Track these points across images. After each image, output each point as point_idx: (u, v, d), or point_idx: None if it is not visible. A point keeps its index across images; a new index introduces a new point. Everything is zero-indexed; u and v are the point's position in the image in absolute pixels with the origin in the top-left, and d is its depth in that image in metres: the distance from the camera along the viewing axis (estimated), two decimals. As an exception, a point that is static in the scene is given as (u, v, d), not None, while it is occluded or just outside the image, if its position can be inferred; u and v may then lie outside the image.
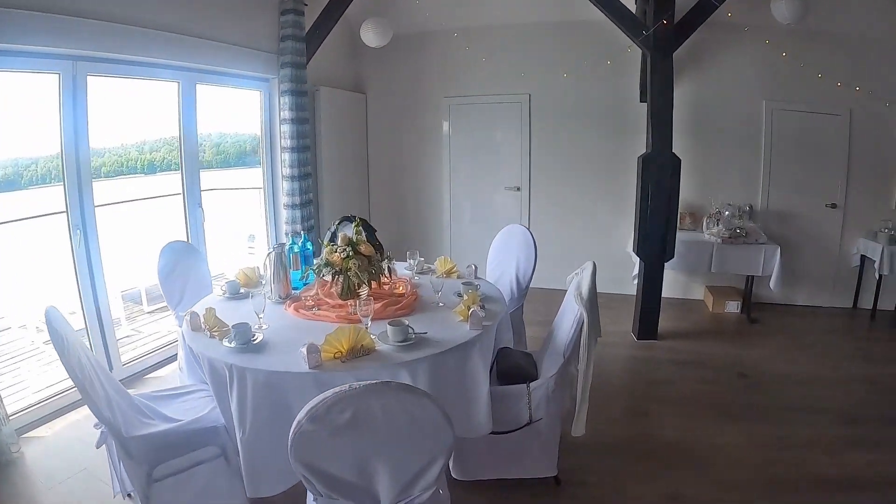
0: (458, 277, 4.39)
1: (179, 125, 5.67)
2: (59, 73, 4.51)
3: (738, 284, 7.28)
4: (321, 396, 1.92)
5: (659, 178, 5.62)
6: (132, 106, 6.19)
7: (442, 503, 2.47)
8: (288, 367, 2.80)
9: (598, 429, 4.18)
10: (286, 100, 6.34)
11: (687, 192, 6.59)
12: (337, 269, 3.66)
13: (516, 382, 3.39)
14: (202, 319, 3.29)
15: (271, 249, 3.91)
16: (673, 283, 7.23)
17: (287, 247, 4.18)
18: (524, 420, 3.33)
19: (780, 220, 7.28)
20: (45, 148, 5.18)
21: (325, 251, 3.78)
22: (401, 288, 3.97)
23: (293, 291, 4.01)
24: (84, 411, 4.47)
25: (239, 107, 6.99)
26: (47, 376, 5.17)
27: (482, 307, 3.46)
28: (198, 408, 3.32)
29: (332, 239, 5.42)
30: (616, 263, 7.33)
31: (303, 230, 6.38)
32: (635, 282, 6.26)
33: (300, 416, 1.93)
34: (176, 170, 5.87)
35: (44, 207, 5.16)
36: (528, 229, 4.91)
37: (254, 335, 3.13)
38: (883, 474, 3.83)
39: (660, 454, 4.07)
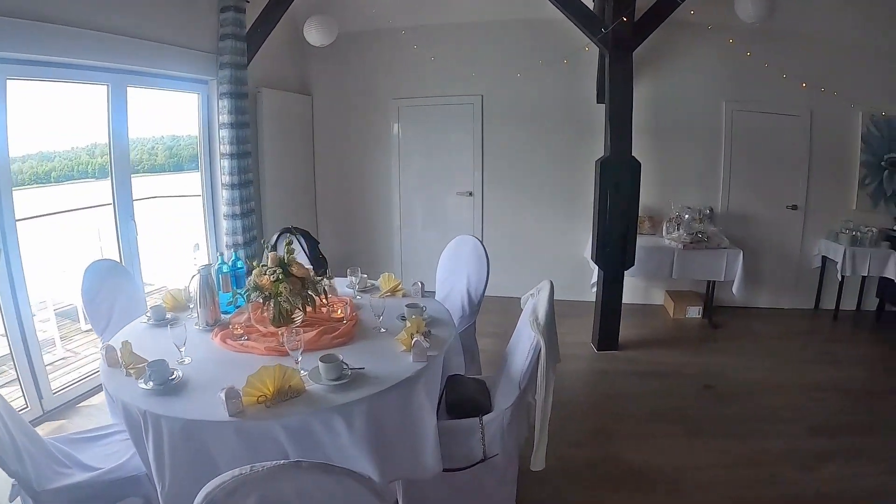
0: (404, 296, 4.02)
1: (109, 131, 5.21)
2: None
3: (699, 289, 7.10)
4: (218, 480, 1.54)
5: (618, 182, 5.35)
6: (62, 110, 5.71)
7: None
8: (206, 415, 2.40)
9: (560, 455, 3.87)
10: (225, 103, 5.89)
11: (645, 196, 6.28)
12: (266, 293, 3.26)
13: (468, 415, 3.05)
14: (119, 354, 2.87)
15: (196, 271, 3.50)
16: (632, 289, 6.96)
17: (216, 266, 3.77)
18: (478, 456, 2.98)
19: (741, 223, 7.11)
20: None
21: (253, 273, 3.36)
22: (339, 311, 3.57)
23: (223, 317, 3.58)
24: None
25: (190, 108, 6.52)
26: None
27: (428, 333, 3.12)
28: (119, 452, 2.91)
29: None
30: (574, 270, 7.11)
31: (244, 242, 5.98)
32: (594, 290, 5.99)
33: (197, 500, 1.55)
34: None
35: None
36: (480, 240, 4.56)
37: (172, 373, 2.72)
38: (861, 489, 3.64)
39: (628, 480, 3.79)
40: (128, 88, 5.27)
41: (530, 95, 7.19)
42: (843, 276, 6.64)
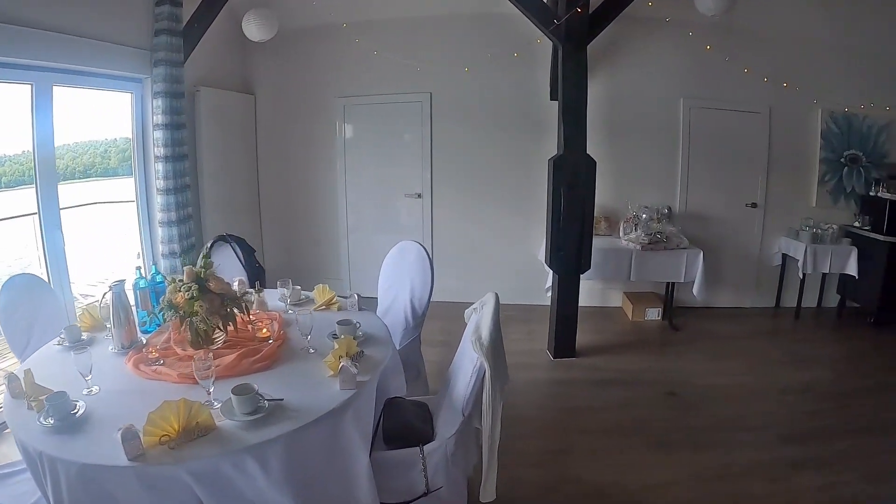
0: (340, 309, 3.68)
1: (32, 135, 4.80)
2: None
3: (658, 290, 6.89)
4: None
5: (572, 181, 5.05)
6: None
7: None
8: (105, 457, 2.03)
9: (514, 479, 3.55)
10: (160, 102, 5.45)
11: (601, 195, 6.04)
12: (182, 312, 2.86)
13: (408, 445, 2.73)
14: (21, 383, 2.47)
15: (109, 287, 3.12)
16: (589, 291, 6.71)
17: (135, 281, 3.39)
18: (420, 490, 2.64)
19: (700, 222, 6.91)
20: None
21: (168, 289, 2.99)
22: (265, 330, 3.16)
23: (140, 338, 3.17)
24: None
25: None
26: None
27: (360, 355, 2.80)
28: (30, 492, 2.51)
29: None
30: (528, 273, 6.82)
31: (181, 251, 5.60)
32: (549, 294, 5.70)
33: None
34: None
35: None
36: (423, 246, 4.20)
37: (75, 407, 2.33)
38: (838, 499, 3.44)
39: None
40: (54, 88, 4.85)
41: (481, 92, 6.87)
42: (804, 274, 6.53)
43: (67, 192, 5.25)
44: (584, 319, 5.92)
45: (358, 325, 3.13)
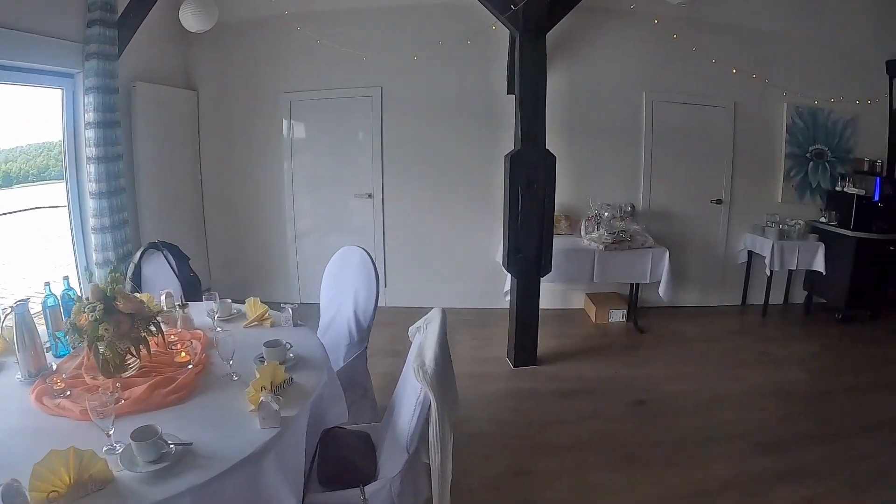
0: (273, 325, 3.23)
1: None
2: None
3: (622, 290, 6.55)
4: None
5: (531, 179, 4.66)
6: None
7: None
8: None
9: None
10: (91, 99, 4.96)
11: (561, 193, 5.69)
12: (87, 336, 2.37)
13: (347, 485, 2.33)
14: None
15: (10, 306, 2.64)
16: (550, 293, 6.34)
17: (44, 298, 2.91)
18: None
19: (664, 220, 6.63)
20: None
21: (73, 309, 2.51)
22: (185, 354, 2.67)
23: (50, 363, 2.63)
24: None
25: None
26: None
27: (288, 382, 2.37)
28: None
29: (136, 275, 4.26)
30: (487, 275, 6.44)
31: (116, 259, 5.11)
32: (507, 298, 5.30)
33: None
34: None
35: None
36: (367, 251, 3.81)
37: None
38: None
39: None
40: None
41: (435, 86, 6.41)
42: (771, 272, 6.33)
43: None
44: (546, 323, 5.60)
45: (288, 347, 2.72)
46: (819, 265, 6.28)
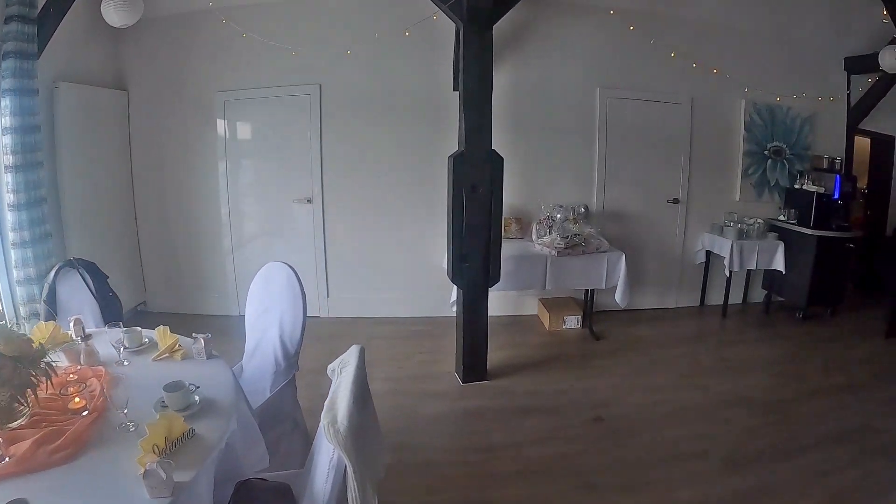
0: (184, 358, 2.73)
1: None
2: None
3: (577, 294, 6.16)
4: None
5: (476, 181, 4.22)
6: None
7: None
8: None
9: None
10: (8, 102, 4.38)
11: (511, 194, 5.44)
12: None
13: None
14: None
15: None
16: (501, 299, 5.85)
17: None
18: None
19: (619, 221, 6.28)
20: None
21: None
22: (78, 399, 2.16)
23: None
24: None
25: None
26: None
27: (187, 435, 1.93)
28: None
29: (51, 297, 3.79)
30: (437, 283, 5.84)
31: (37, 276, 4.51)
32: (454, 308, 4.85)
33: None
34: None
35: None
36: (293, 269, 3.32)
37: None
38: None
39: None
40: None
41: (377, 83, 5.88)
42: (730, 272, 6.08)
43: None
44: (497, 332, 5.22)
45: (192, 389, 2.26)
46: (779, 264, 6.08)
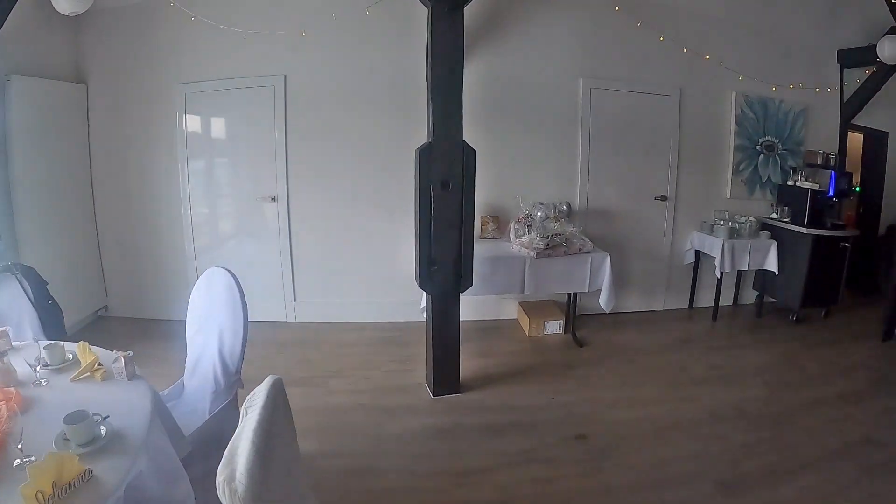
0: (104, 378, 2.31)
1: None
2: None
3: (559, 297, 5.74)
4: None
5: (446, 176, 3.78)
6: None
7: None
8: None
9: None
10: None
11: (488, 191, 5.12)
12: None
13: None
14: None
15: None
16: (478, 303, 5.42)
17: None
18: None
19: (604, 219, 5.85)
20: None
21: None
22: None
23: None
24: None
25: None
26: None
27: (84, 477, 1.58)
28: None
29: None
30: (406, 286, 5.24)
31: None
32: (425, 314, 4.41)
33: None
34: None
35: None
36: (233, 275, 2.87)
37: None
38: None
39: None
40: None
41: (347, 73, 5.39)
42: (721, 273, 5.69)
43: None
44: (472, 338, 4.89)
45: (98, 419, 1.89)
46: (772, 265, 5.74)
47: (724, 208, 5.98)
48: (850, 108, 6.31)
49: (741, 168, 6.07)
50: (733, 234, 5.65)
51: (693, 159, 5.96)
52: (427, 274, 3.93)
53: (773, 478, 3.26)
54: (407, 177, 4.93)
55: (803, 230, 5.59)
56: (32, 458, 1.65)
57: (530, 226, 4.90)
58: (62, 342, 2.55)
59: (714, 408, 4.07)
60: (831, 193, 5.75)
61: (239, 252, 5.64)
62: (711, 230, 5.82)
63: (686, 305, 6.31)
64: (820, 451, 3.53)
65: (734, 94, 5.90)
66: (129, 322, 5.58)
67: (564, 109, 5.63)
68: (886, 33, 5.49)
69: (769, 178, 6.15)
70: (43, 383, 2.25)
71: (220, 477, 1.39)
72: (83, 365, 2.37)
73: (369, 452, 3.49)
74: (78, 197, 5.54)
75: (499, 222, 5.42)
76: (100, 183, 5.65)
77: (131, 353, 2.37)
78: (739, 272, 6.13)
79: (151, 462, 1.88)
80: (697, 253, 6.10)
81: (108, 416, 1.91)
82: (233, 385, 2.83)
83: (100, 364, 2.38)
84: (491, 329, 5.60)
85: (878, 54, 5.39)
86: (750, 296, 6.39)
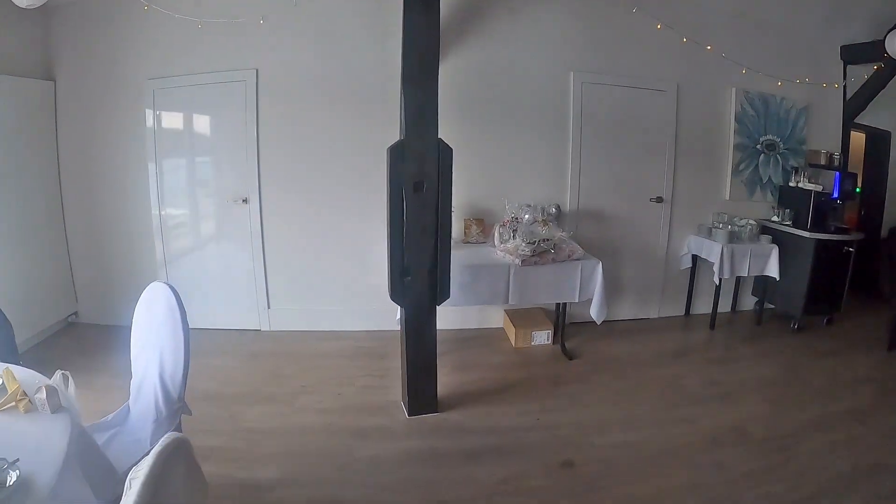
0: (27, 410, 1.98)
1: None
2: None
3: (548, 304, 5.35)
4: None
5: (419, 177, 3.38)
6: None
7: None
8: None
9: None
10: None
11: (472, 193, 4.89)
12: None
13: None
14: None
15: None
16: (462, 311, 5.04)
17: None
18: None
19: (596, 222, 5.49)
20: None
21: None
22: None
23: None
24: None
25: None
26: None
27: None
28: None
29: None
30: (384, 292, 4.81)
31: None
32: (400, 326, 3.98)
33: None
34: None
35: None
36: (174, 290, 2.52)
37: None
38: None
39: None
40: None
41: (322, 67, 4.98)
42: (720, 280, 5.33)
43: None
44: (455, 349, 4.62)
45: (4, 465, 1.63)
46: (773, 271, 5.37)
47: (722, 210, 5.64)
48: (854, 107, 5.97)
49: (741, 168, 5.71)
50: (733, 238, 5.29)
51: (691, 158, 5.60)
52: (399, 286, 3.52)
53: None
54: (382, 176, 4.55)
55: (806, 234, 5.26)
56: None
57: (516, 230, 4.48)
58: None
59: (713, 430, 3.69)
60: (835, 195, 5.42)
61: (210, 257, 5.29)
62: (710, 233, 5.47)
63: (682, 313, 5.96)
64: (828, 481, 3.17)
65: (734, 89, 5.56)
66: (101, 329, 5.19)
67: (554, 104, 5.27)
68: (894, 27, 5.12)
69: (770, 178, 5.80)
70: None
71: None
72: (10, 391, 2.04)
73: (335, 481, 3.11)
74: (46, 198, 5.16)
75: (483, 225, 5.01)
76: (69, 184, 5.27)
77: (66, 373, 2.26)
78: (738, 277, 5.75)
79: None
80: (695, 258, 5.74)
81: (18, 460, 1.63)
82: (176, 413, 2.51)
83: (24, 394, 2.04)
84: (474, 339, 5.19)
85: (887, 49, 5.04)
86: (749, 302, 6.07)
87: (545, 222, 4.60)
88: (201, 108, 5.18)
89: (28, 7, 4.07)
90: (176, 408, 2.49)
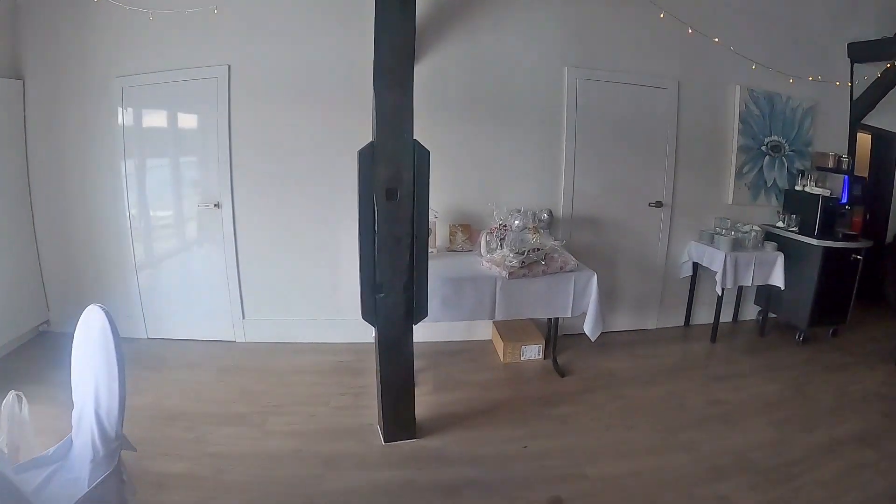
0: None
1: None
2: None
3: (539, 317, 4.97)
4: None
5: (392, 183, 3.01)
6: None
7: None
8: None
9: None
10: None
11: (458, 197, 4.63)
12: None
13: None
14: None
15: None
16: (447, 323, 4.55)
17: None
18: None
19: (591, 228, 5.14)
20: None
21: None
22: None
23: None
24: None
25: None
26: None
27: None
28: None
29: None
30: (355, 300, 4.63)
31: None
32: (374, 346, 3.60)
33: None
34: None
35: None
36: (109, 315, 2.18)
37: None
38: None
39: None
40: None
41: (299, 63, 4.64)
42: (723, 290, 4.97)
43: None
44: (438, 363, 4.38)
45: None
46: (778, 280, 5.03)
47: (725, 215, 5.30)
48: (861, 107, 5.64)
49: (745, 171, 5.38)
50: (736, 245, 4.96)
51: (692, 160, 5.27)
52: (371, 303, 3.14)
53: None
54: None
55: (813, 241, 4.94)
56: None
57: (503, 238, 4.10)
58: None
59: (714, 457, 3.35)
60: (844, 200, 5.10)
61: (183, 264, 4.95)
62: (712, 240, 5.13)
63: (682, 323, 5.62)
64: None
65: (738, 87, 5.22)
66: (73, 338, 4.84)
67: (547, 103, 4.90)
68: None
69: (775, 181, 5.47)
70: None
71: None
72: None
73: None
74: (14, 202, 4.80)
75: (470, 231, 4.63)
76: (38, 187, 4.91)
77: (20, 394, 2.28)
78: (741, 286, 5.41)
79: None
80: (695, 265, 5.41)
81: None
82: (114, 451, 2.20)
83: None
84: (460, 353, 4.81)
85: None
86: (751, 310, 5.75)
87: (536, 229, 4.23)
88: (172, 106, 4.82)
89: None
90: (114, 447, 2.18)
